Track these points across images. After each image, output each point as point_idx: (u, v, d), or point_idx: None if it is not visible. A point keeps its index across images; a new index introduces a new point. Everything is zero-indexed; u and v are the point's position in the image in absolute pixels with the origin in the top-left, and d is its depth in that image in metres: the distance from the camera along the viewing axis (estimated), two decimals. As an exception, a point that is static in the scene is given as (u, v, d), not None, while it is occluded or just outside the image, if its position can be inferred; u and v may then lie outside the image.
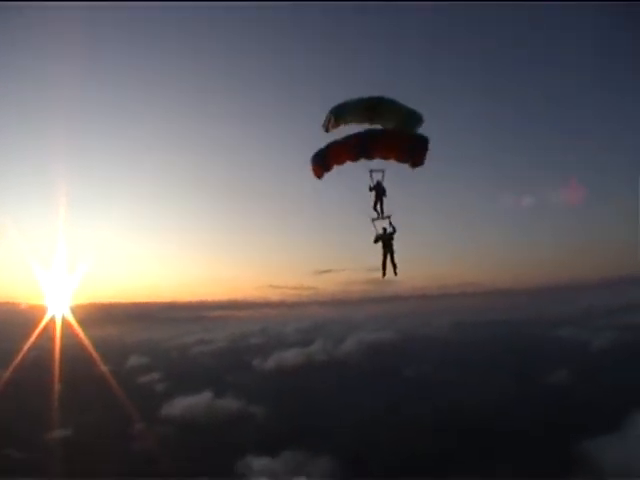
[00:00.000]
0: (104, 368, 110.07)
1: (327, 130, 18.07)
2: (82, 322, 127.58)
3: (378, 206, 19.44)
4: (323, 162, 18.48)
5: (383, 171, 18.66)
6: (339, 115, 17.57)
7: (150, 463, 66.97)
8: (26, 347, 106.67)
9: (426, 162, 18.19)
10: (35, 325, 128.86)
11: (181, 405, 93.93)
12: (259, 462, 65.81)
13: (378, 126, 18.02)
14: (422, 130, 18.21)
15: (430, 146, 17.95)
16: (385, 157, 18.19)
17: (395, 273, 19.75)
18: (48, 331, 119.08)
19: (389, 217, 19.57)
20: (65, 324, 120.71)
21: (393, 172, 18.64)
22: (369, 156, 18.06)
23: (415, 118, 17.90)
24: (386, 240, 19.77)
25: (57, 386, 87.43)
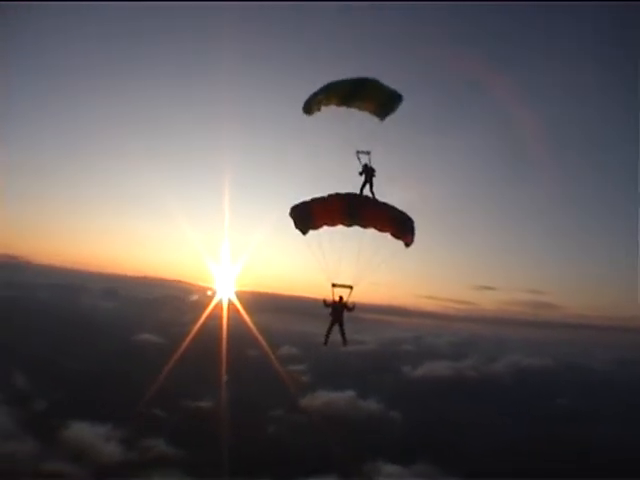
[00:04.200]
0: (256, 352, 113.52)
1: (309, 112, 17.01)
2: (245, 307, 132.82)
3: (367, 189, 17.56)
4: (310, 222, 17.42)
5: (369, 153, 17.24)
6: (322, 95, 16.75)
7: (281, 447, 67.49)
8: (196, 323, 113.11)
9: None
10: (202, 304, 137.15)
11: (322, 399, 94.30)
12: (389, 468, 63.82)
13: (356, 110, 17.10)
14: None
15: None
16: (380, 230, 17.13)
17: (345, 343, 18.42)
18: (215, 311, 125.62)
19: (351, 288, 17.88)
20: (230, 307, 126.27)
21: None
22: (362, 225, 17.16)
23: (394, 98, 17.00)
24: (339, 309, 18.16)
25: (214, 361, 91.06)
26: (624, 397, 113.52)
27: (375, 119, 17.17)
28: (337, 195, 17.00)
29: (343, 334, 18.46)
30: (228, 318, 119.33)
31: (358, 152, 17.36)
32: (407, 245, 17.41)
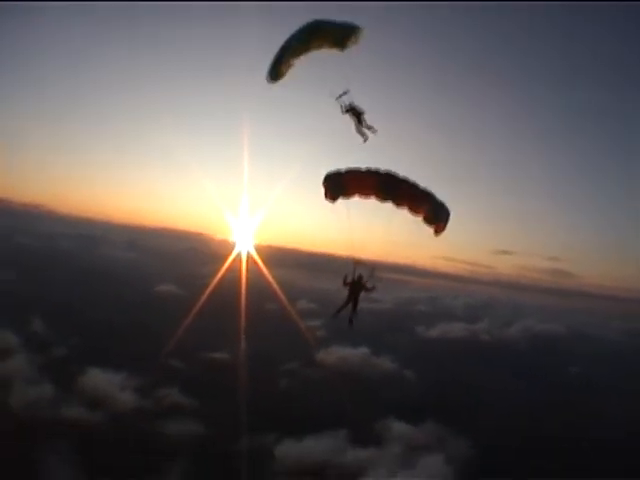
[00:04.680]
0: (274, 305, 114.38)
1: (276, 78, 15.66)
2: (263, 261, 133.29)
3: (364, 127, 16.52)
4: (343, 190, 16.70)
5: (347, 92, 15.93)
6: (287, 52, 15.43)
7: (293, 401, 68.43)
8: (216, 275, 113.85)
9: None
10: (222, 257, 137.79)
11: (337, 354, 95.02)
12: (399, 426, 64.17)
13: (316, 50, 15.67)
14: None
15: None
16: (413, 213, 16.42)
17: (351, 323, 17.61)
18: (234, 264, 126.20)
19: (374, 269, 17.52)
20: (249, 260, 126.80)
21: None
22: (396, 203, 16.35)
23: (350, 30, 15.47)
24: (357, 288, 17.46)
25: (232, 313, 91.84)
26: (636, 369, 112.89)
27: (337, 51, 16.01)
28: (375, 170, 16.24)
29: (352, 315, 17.78)
30: (247, 271, 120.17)
31: (338, 97, 16.26)
32: (437, 233, 16.82)
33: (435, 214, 16.55)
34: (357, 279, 17.46)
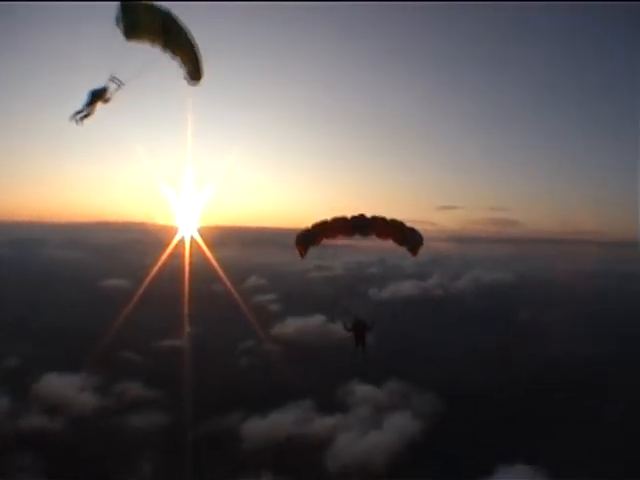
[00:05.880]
0: (222, 286, 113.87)
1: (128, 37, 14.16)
2: (208, 243, 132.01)
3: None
4: (311, 240, 18.03)
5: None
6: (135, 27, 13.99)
7: (255, 378, 68.94)
8: (158, 263, 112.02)
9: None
10: (167, 244, 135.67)
11: (293, 326, 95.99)
12: (362, 389, 65.14)
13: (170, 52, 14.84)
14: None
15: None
16: (382, 238, 17.84)
17: (362, 360, 20.20)
18: (178, 249, 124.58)
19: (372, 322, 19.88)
20: (193, 244, 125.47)
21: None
22: (364, 235, 17.66)
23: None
24: (360, 330, 19.70)
25: (179, 300, 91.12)
26: (583, 309, 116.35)
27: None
28: (342, 217, 17.28)
29: (363, 353, 20.05)
30: (191, 255, 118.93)
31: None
32: (413, 254, 18.17)
33: (405, 238, 17.82)
34: (356, 323, 19.63)
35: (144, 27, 13.97)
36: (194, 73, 15.40)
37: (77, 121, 14.93)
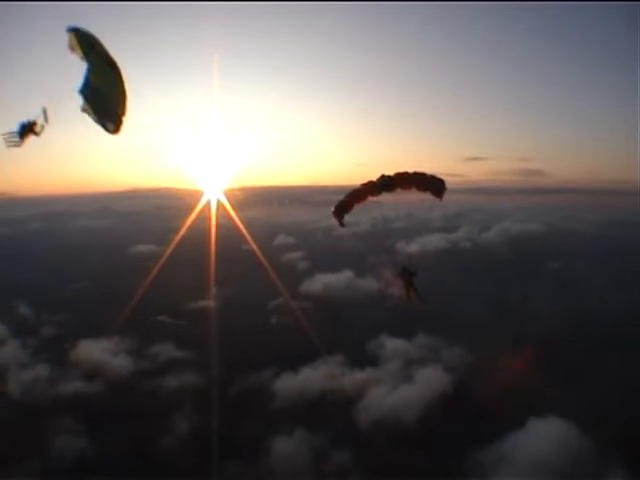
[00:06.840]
0: (250, 246, 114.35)
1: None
2: (235, 205, 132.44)
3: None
4: (347, 209, 18.78)
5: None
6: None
7: (285, 335, 69.60)
8: (185, 227, 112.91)
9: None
10: (193, 207, 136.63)
11: (321, 282, 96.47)
12: (393, 343, 65.42)
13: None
14: None
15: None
16: (405, 188, 18.35)
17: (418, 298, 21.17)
18: (204, 213, 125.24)
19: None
20: (219, 207, 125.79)
21: None
22: (390, 191, 18.24)
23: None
24: (408, 276, 20.62)
25: (208, 262, 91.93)
26: (614, 259, 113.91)
27: None
28: (369, 182, 18.00)
29: (417, 295, 21.06)
30: (217, 217, 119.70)
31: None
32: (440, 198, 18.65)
33: (428, 184, 18.29)
34: (403, 270, 20.67)
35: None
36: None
37: (7, 143, 14.04)
